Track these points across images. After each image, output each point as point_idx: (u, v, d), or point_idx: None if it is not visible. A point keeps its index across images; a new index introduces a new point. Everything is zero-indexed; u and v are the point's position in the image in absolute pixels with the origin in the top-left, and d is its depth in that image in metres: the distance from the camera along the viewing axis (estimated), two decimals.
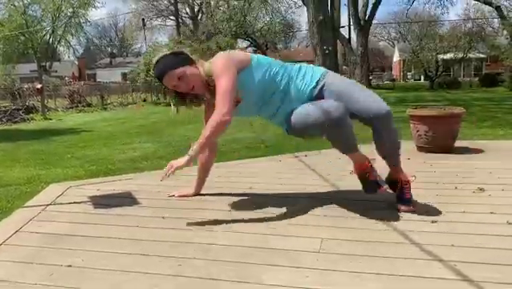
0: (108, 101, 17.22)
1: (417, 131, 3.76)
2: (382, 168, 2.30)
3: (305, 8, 15.80)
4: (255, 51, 26.37)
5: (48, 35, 29.67)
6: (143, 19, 34.89)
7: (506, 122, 6.84)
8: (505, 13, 25.10)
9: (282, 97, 2.18)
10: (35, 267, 1.71)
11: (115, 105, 16.53)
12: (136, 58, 38.09)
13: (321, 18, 13.73)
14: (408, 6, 28.91)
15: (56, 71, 34.06)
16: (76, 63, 42.85)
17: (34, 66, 23.86)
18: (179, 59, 2.15)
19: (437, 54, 26.36)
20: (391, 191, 2.29)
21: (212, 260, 1.71)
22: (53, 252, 1.85)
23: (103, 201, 2.57)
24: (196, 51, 17.06)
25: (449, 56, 27.01)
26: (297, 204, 2.37)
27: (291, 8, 28.06)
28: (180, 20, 31.73)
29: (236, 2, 24.76)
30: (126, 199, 2.60)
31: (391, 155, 2.24)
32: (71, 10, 27.77)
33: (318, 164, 3.33)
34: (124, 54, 54.41)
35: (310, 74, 2.21)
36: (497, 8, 24.69)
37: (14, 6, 22.66)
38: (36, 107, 13.49)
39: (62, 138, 7.06)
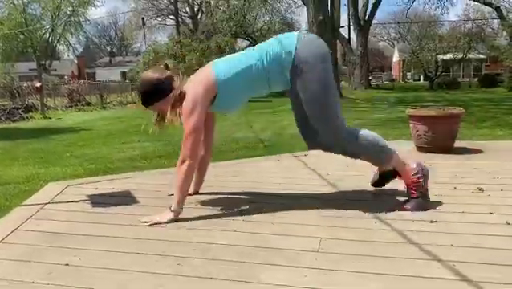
0: (108, 100, 17.20)
1: (417, 131, 3.76)
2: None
3: (305, 8, 15.82)
4: None
5: (48, 34, 29.68)
6: (142, 18, 34.94)
7: (505, 122, 6.85)
8: (505, 14, 25.15)
9: (266, 76, 2.18)
10: (33, 266, 1.70)
11: (115, 104, 16.51)
12: (135, 57, 38.14)
13: (321, 18, 13.75)
14: (407, 7, 28.90)
15: (55, 70, 34.08)
16: (76, 61, 42.81)
17: (33, 64, 23.85)
18: (158, 93, 2.22)
19: (437, 54, 26.40)
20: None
21: (211, 259, 1.71)
22: (51, 251, 1.84)
23: (101, 200, 2.56)
24: (195, 51, 17.10)
25: (448, 57, 27.05)
26: (296, 203, 2.36)
27: (291, 8, 28.05)
28: (179, 19, 31.69)
29: (236, 2, 24.75)
30: (125, 198, 2.60)
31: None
32: (70, 8, 27.80)
33: (317, 163, 3.33)
34: (124, 53, 54.42)
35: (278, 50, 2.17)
36: (497, 9, 24.73)
37: (14, 4, 22.66)
38: (35, 106, 13.46)
39: (62, 137, 7.06)
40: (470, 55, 28.00)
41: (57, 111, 13.85)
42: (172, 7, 34.09)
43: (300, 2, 23.17)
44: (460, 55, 27.17)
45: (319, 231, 1.95)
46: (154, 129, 2.32)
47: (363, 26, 24.18)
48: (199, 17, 36.55)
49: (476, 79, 27.57)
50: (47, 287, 1.53)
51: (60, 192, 2.77)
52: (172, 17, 36.37)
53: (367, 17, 24.54)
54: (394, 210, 2.18)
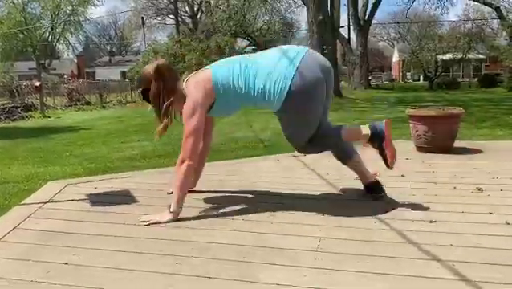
0: (107, 99, 17.19)
1: (416, 131, 3.76)
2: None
3: (305, 8, 15.83)
4: (254, 50, 26.36)
5: (47, 33, 29.68)
6: (142, 18, 34.90)
7: (505, 122, 6.85)
8: (505, 14, 25.14)
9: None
10: (32, 264, 1.70)
11: (114, 103, 16.50)
12: (135, 56, 38.07)
13: (321, 18, 13.76)
14: (407, 7, 28.87)
15: (55, 69, 34.00)
16: (75, 61, 42.77)
17: (32, 63, 23.83)
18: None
19: (437, 54, 26.38)
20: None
21: (210, 258, 1.71)
22: (50, 249, 1.84)
23: (100, 199, 2.56)
24: (195, 50, 17.08)
25: (448, 57, 27.03)
26: (295, 203, 2.36)
27: (291, 7, 28.05)
28: (179, 19, 31.64)
29: (236, 1, 24.74)
30: (124, 197, 2.59)
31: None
32: (70, 7, 27.79)
33: (316, 163, 3.32)
34: (123, 52, 54.34)
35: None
36: (497, 9, 24.74)
37: (14, 3, 22.65)
38: (35, 105, 13.44)
39: (61, 136, 7.05)
40: (470, 55, 27.99)
41: (56, 111, 13.83)
42: (171, 6, 34.03)
43: (300, 2, 23.20)
44: (459, 55, 27.15)
45: (318, 231, 1.95)
46: (156, 139, 2.32)
47: (362, 26, 24.16)
48: (199, 16, 36.52)
49: (475, 79, 27.55)
50: (46, 286, 1.53)
51: (59, 191, 2.76)
52: (171, 16, 36.31)
53: (366, 17, 24.52)
54: (393, 210, 2.18)
